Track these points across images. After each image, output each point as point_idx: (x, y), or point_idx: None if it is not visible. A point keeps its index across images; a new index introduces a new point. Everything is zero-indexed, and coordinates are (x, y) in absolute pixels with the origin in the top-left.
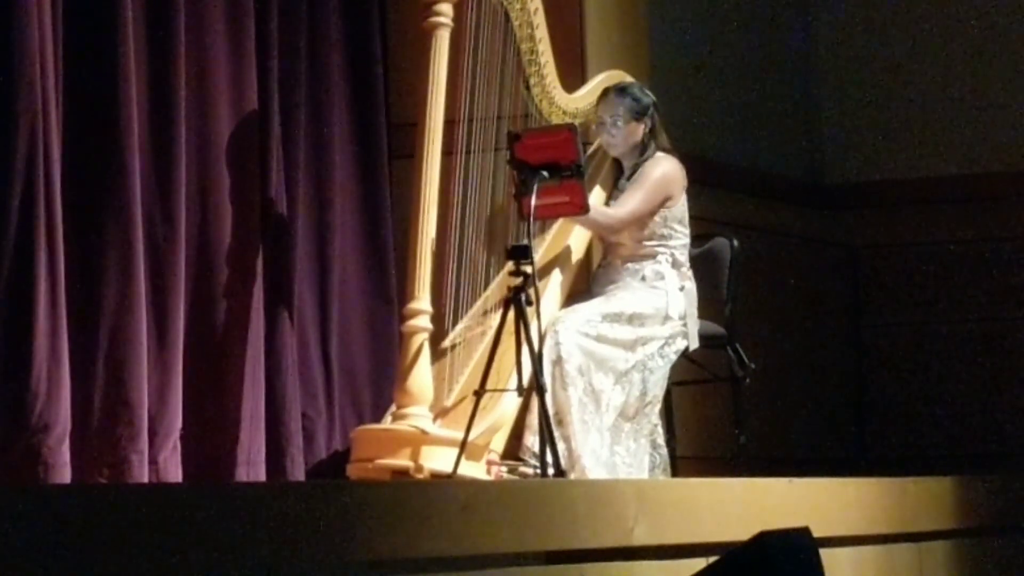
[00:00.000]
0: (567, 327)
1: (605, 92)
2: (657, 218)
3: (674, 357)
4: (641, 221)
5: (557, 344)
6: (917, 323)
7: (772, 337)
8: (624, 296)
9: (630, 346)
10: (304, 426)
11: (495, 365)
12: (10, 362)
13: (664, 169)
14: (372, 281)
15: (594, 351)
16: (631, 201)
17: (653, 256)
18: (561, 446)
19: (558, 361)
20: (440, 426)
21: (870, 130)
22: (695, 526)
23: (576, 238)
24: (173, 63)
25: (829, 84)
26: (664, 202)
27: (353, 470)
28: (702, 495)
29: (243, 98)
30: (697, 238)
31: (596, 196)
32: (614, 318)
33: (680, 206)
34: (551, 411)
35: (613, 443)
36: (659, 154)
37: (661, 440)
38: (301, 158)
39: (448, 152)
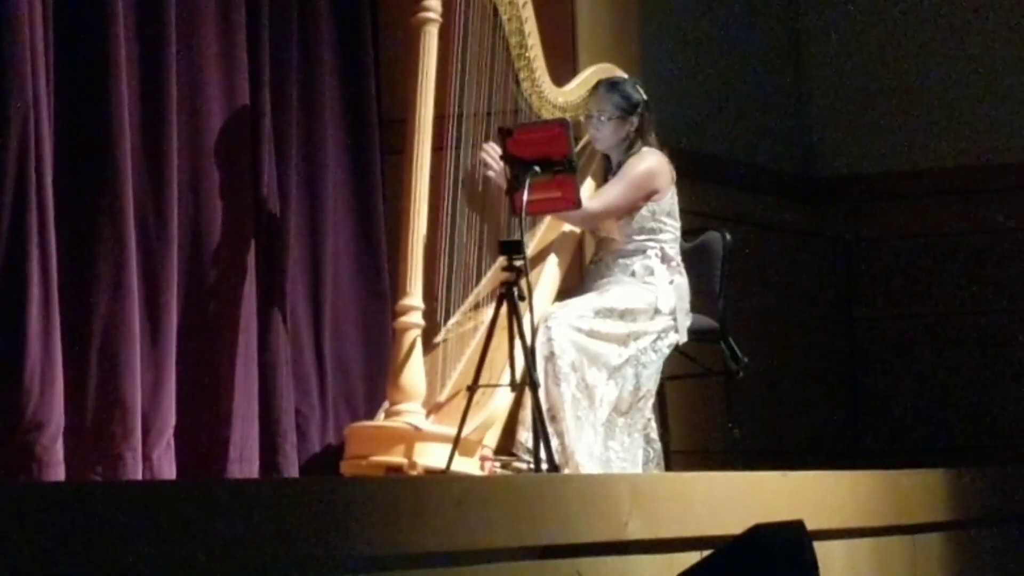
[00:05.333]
0: (559, 323)
1: (596, 86)
2: (645, 212)
3: (667, 351)
4: (627, 214)
5: (550, 340)
6: (910, 316)
7: (765, 331)
8: (615, 291)
9: (622, 341)
10: (297, 423)
11: (488, 361)
12: (3, 360)
13: (648, 164)
14: (364, 277)
15: (587, 347)
16: (608, 194)
17: (643, 251)
18: (555, 442)
19: (551, 357)
20: (433, 422)
21: (861, 122)
22: (689, 520)
23: (568, 232)
24: (164, 60)
25: (820, 77)
26: (649, 196)
27: (347, 467)
28: (696, 489)
29: (234, 95)
30: (689, 232)
31: (587, 189)
32: (606, 313)
33: (668, 199)
34: (544, 407)
35: (607, 438)
36: (644, 149)
37: (655, 434)
38: (293, 155)
39: (438, 148)
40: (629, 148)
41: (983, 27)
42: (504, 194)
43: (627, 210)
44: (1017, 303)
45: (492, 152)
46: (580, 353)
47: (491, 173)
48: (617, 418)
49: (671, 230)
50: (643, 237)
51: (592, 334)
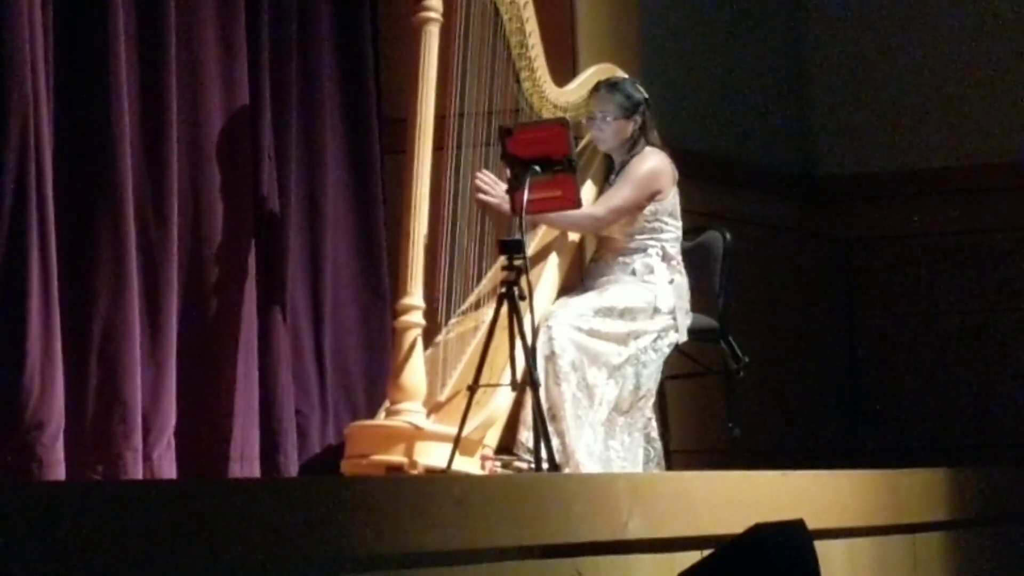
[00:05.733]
0: (559, 322)
1: (596, 87)
2: (647, 211)
3: (667, 350)
4: (629, 215)
5: (550, 339)
6: (910, 315)
7: (765, 330)
8: (615, 290)
9: (623, 340)
10: (298, 422)
11: (488, 360)
12: (3, 359)
13: (651, 164)
14: (365, 276)
15: (587, 346)
16: (614, 198)
17: (643, 250)
18: (555, 441)
19: (551, 356)
20: (434, 421)
21: (862, 122)
22: (690, 519)
23: (567, 232)
24: (164, 58)
25: (821, 76)
26: (653, 196)
27: (347, 466)
28: (696, 488)
29: (234, 94)
30: (689, 232)
31: (587, 190)
32: (606, 312)
33: (670, 199)
34: (545, 406)
35: (607, 437)
36: (647, 149)
37: (655, 434)
38: (293, 154)
39: (439, 147)
40: (632, 148)
41: (982, 27)
42: (506, 200)
43: (633, 212)
44: (1016, 303)
45: (486, 179)
46: (580, 352)
47: (490, 199)
48: (617, 417)
49: (672, 229)
50: (644, 236)
51: (592, 333)
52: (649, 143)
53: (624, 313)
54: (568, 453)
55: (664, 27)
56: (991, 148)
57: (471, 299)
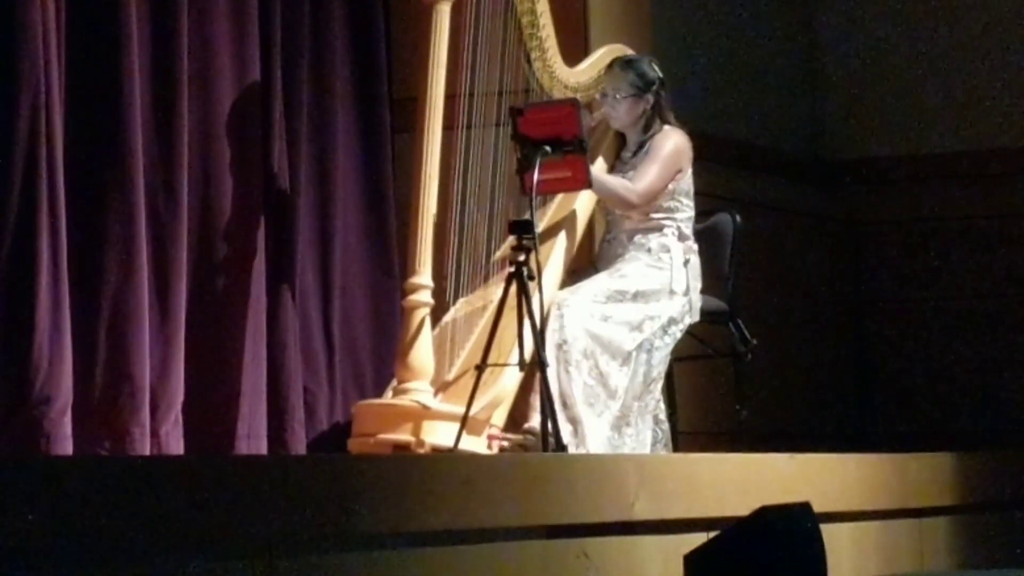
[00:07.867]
0: (571, 309)
1: (611, 65)
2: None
3: (679, 335)
4: (660, 196)
5: (562, 327)
6: (918, 299)
7: (774, 313)
8: (627, 271)
9: (636, 326)
10: (305, 400)
11: (496, 340)
12: (12, 334)
13: (675, 142)
14: (374, 255)
15: (599, 334)
16: (648, 176)
17: (659, 229)
18: (568, 428)
19: (562, 344)
20: (441, 401)
21: (873, 105)
22: (696, 501)
23: (577, 212)
24: (176, 35)
25: (833, 60)
26: (675, 175)
27: (354, 445)
28: (703, 470)
29: (246, 71)
30: (700, 214)
31: (598, 168)
32: (618, 296)
33: (687, 179)
34: (555, 394)
35: (623, 425)
36: (667, 128)
37: (663, 415)
38: (303, 132)
39: (449, 127)
40: (646, 127)
41: (995, 11)
42: (515, 173)
43: (663, 189)
44: None
45: None
46: (593, 341)
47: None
48: (632, 403)
49: (687, 209)
50: (660, 215)
51: (605, 319)
52: (665, 122)
53: (637, 296)
54: (582, 441)
55: (676, 9)
56: (1002, 133)
57: (480, 279)
